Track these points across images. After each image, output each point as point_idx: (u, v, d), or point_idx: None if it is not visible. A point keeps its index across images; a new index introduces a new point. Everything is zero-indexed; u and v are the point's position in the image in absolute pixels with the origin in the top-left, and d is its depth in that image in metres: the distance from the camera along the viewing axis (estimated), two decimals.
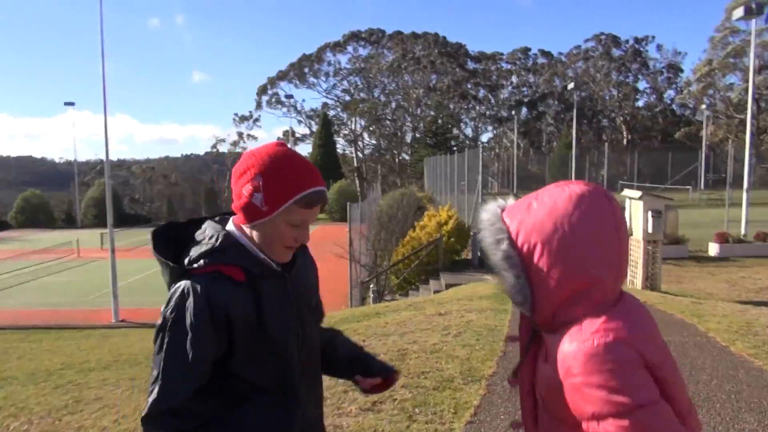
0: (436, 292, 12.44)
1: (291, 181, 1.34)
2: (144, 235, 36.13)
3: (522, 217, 1.15)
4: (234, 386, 1.39)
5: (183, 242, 1.42)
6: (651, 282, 10.05)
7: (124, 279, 21.48)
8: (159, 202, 59.04)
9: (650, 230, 9.76)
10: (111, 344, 7.95)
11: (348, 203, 16.50)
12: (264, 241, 1.38)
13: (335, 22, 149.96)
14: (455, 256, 15.17)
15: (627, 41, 59.22)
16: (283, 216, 1.34)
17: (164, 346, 1.30)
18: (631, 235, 10.39)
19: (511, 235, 1.15)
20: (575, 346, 1.08)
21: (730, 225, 17.01)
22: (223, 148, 67.98)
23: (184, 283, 1.32)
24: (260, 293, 1.37)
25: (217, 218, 1.47)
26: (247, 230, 1.39)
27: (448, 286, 12.29)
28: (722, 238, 15.01)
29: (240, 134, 65.07)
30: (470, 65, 62.16)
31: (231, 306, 1.32)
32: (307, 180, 1.35)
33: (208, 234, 1.39)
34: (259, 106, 63.18)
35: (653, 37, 59.51)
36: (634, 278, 10.32)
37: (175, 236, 1.44)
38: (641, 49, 59.13)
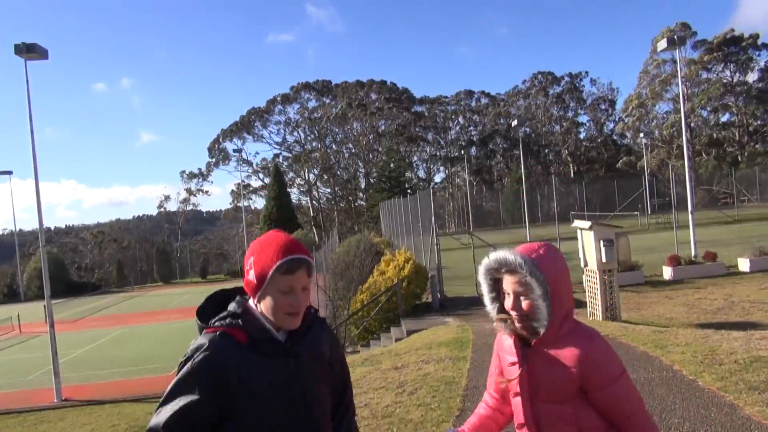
0: (397, 340, 12.02)
1: (271, 255, 1.62)
2: (91, 304, 34.47)
3: (548, 266, 1.73)
4: None
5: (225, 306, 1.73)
6: (611, 312, 9.92)
7: (71, 352, 20.16)
8: (111, 267, 56.70)
9: (604, 260, 9.69)
10: None
11: None
12: (268, 311, 1.64)
13: (284, 77, 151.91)
14: (415, 300, 14.78)
15: (563, 78, 61.89)
16: (271, 285, 1.61)
17: (170, 385, 1.60)
18: (586, 266, 10.30)
19: (545, 278, 1.71)
20: (590, 347, 1.70)
21: (680, 247, 17.32)
22: (173, 207, 66.47)
23: (198, 339, 1.62)
24: (259, 355, 1.60)
25: (247, 296, 1.73)
26: (259, 306, 1.65)
27: (410, 332, 11.91)
28: (675, 261, 15.20)
29: (189, 191, 63.83)
30: (417, 108, 63.51)
31: (227, 363, 1.57)
32: (285, 251, 1.62)
33: (233, 305, 1.69)
34: (210, 162, 62.54)
35: (587, 73, 62.40)
36: (595, 309, 10.18)
37: (223, 301, 1.75)
38: (577, 84, 61.87)
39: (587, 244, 10.14)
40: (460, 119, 65.55)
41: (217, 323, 1.65)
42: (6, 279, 43.90)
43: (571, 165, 62.24)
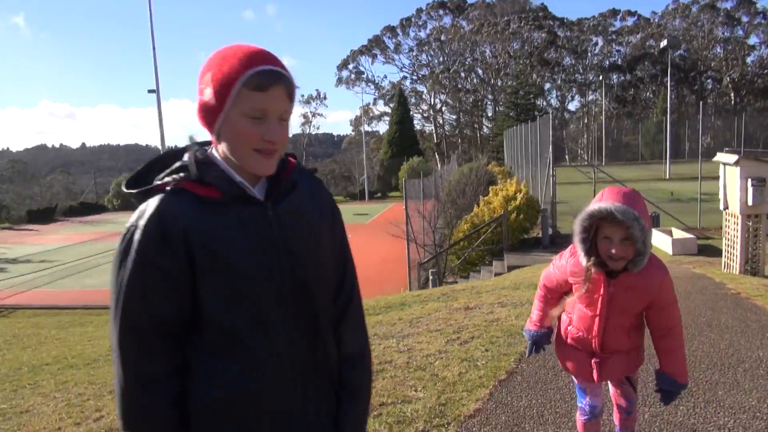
0: (497, 275, 11.33)
1: (236, 64, 1.18)
2: None
3: (644, 215, 2.01)
4: (204, 332, 1.21)
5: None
6: (752, 265, 8.25)
7: None
8: None
9: (750, 202, 7.96)
10: None
11: (404, 179, 15.43)
12: (232, 150, 1.21)
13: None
14: (524, 234, 13.76)
15: None
16: (236, 107, 1.18)
17: (118, 271, 1.19)
18: (726, 208, 8.58)
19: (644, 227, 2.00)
20: (664, 276, 2.12)
21: None
22: (295, 130, 68.74)
23: (144, 203, 1.20)
24: (231, 217, 1.20)
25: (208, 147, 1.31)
26: (221, 150, 1.24)
27: (511, 268, 11.20)
28: None
29: (305, 115, 65.13)
30: (553, 28, 58.21)
31: (190, 224, 1.17)
32: (254, 59, 1.19)
33: (187, 154, 1.25)
34: (341, 78, 62.57)
35: None
36: (731, 261, 8.54)
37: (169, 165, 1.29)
38: None
39: (730, 183, 8.38)
40: (599, 40, 58.98)
41: (166, 179, 1.21)
42: None
43: (732, 95, 54.21)
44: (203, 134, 1.31)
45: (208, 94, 1.19)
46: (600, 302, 2.14)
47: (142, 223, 1.16)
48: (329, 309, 1.35)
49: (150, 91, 40.97)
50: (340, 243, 1.40)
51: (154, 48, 15.87)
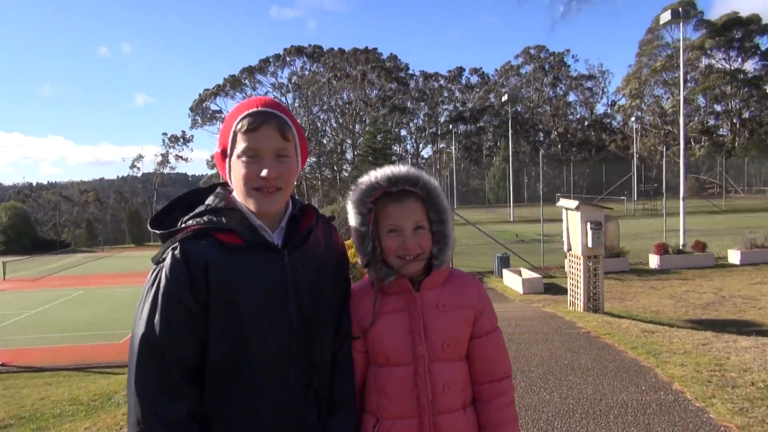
0: None
1: (234, 114, 1.32)
2: (56, 263, 33.18)
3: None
4: (211, 373, 1.25)
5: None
6: (593, 303, 8.98)
7: (21, 313, 18.95)
8: (83, 225, 55.24)
9: (590, 244, 8.71)
10: None
11: None
12: (239, 191, 1.30)
13: (281, 44, 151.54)
14: None
15: (552, 54, 60.78)
16: (236, 151, 1.29)
17: (145, 310, 1.23)
18: (570, 250, 9.33)
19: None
20: (480, 285, 1.49)
21: (668, 235, 16.56)
22: (150, 168, 64.94)
23: (170, 245, 1.26)
24: (248, 262, 1.26)
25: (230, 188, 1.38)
26: (238, 199, 1.32)
27: None
28: (662, 250, 14.42)
29: (164, 155, 61.90)
30: (405, 74, 61.96)
31: (210, 267, 1.23)
32: (248, 105, 1.31)
33: (211, 198, 1.35)
34: (194, 122, 60.38)
35: (567, 51, 61.38)
36: (576, 299, 9.23)
37: (192, 203, 1.37)
38: (564, 60, 60.77)
39: (572, 226, 9.14)
40: (445, 93, 64.18)
41: (191, 222, 1.27)
42: None
43: (559, 147, 61.32)
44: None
45: (218, 146, 1.32)
46: (414, 332, 1.39)
47: (168, 264, 1.22)
48: (329, 353, 1.36)
49: None
50: (344, 287, 1.45)
51: None
